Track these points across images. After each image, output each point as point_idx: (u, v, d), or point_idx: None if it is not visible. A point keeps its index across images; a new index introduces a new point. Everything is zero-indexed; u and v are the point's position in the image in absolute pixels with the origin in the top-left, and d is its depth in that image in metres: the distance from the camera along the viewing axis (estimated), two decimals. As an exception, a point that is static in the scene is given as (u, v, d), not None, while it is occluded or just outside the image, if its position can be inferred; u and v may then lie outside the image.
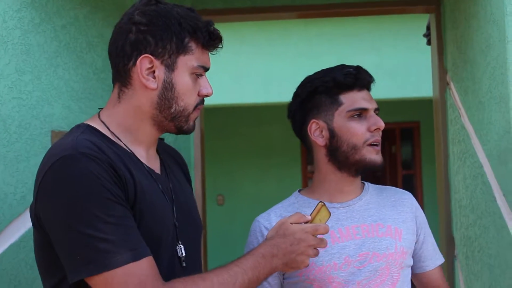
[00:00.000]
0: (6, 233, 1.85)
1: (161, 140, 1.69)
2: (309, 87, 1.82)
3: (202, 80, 1.49)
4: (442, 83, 2.72)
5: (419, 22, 3.42)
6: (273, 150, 7.64)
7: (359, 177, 1.85)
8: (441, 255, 1.89)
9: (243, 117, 7.73)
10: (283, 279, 1.79)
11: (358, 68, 1.81)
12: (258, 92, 6.57)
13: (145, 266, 1.31)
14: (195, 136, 3.06)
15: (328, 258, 1.72)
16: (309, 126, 1.81)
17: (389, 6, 2.78)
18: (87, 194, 1.30)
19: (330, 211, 1.54)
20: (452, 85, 2.57)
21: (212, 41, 1.47)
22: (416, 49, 3.53)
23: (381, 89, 6.31)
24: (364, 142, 1.75)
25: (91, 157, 1.32)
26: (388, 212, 1.81)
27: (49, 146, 2.00)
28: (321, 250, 1.71)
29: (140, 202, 1.38)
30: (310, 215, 1.49)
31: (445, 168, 2.76)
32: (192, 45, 1.46)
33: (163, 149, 1.64)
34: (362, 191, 1.85)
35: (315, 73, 1.83)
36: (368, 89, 1.83)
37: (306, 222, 1.47)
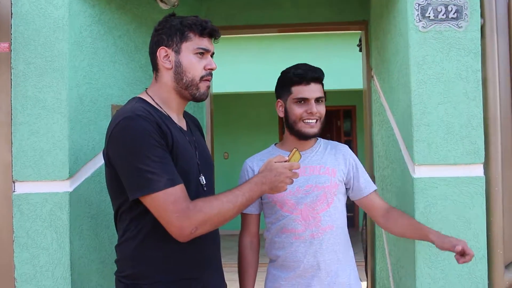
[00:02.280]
0: (82, 171, 1.84)
1: (186, 111, 1.69)
2: (280, 80, 1.84)
3: (206, 59, 1.48)
4: (368, 76, 2.71)
5: (353, 38, 3.40)
6: (261, 123, 7.65)
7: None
8: (374, 185, 1.85)
9: (241, 101, 7.70)
10: (261, 200, 1.82)
11: (306, 69, 1.78)
12: (252, 84, 6.56)
13: (178, 190, 1.31)
14: (206, 113, 3.02)
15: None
16: (276, 104, 1.83)
17: (334, 25, 2.77)
18: (141, 141, 1.31)
19: (301, 155, 1.55)
20: (375, 77, 2.57)
21: (204, 30, 1.45)
22: (352, 56, 3.51)
23: (331, 84, 6.33)
24: (300, 119, 1.75)
25: (144, 117, 1.33)
26: (328, 158, 1.80)
27: (110, 114, 1.99)
28: None
29: (176, 148, 1.38)
30: (288, 156, 1.50)
31: (370, 132, 2.77)
32: (191, 35, 1.45)
33: (187, 116, 1.64)
34: (314, 144, 1.85)
35: (285, 69, 1.83)
36: (316, 83, 1.77)
37: (285, 161, 1.47)
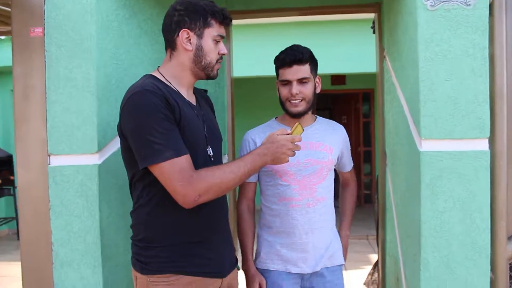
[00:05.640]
0: (110, 145, 1.87)
1: (202, 90, 1.68)
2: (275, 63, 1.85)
3: (220, 44, 1.49)
4: (381, 57, 2.64)
5: (368, 24, 3.28)
6: (278, 104, 7.55)
7: (308, 114, 1.85)
8: (352, 164, 2.00)
9: (261, 84, 7.53)
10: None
11: (287, 53, 1.78)
12: (270, 68, 6.48)
13: (183, 160, 1.31)
14: (227, 95, 2.95)
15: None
16: (276, 84, 1.86)
17: (349, 8, 2.69)
18: (149, 115, 1.30)
19: (303, 129, 1.54)
20: (387, 57, 2.50)
21: (224, 19, 1.47)
22: (370, 41, 3.36)
23: (349, 68, 6.18)
24: (286, 99, 1.78)
25: (153, 92, 1.32)
26: (327, 136, 1.84)
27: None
28: None
29: (183, 121, 1.37)
30: (290, 129, 1.48)
31: (382, 110, 2.71)
32: (213, 22, 1.45)
33: (199, 93, 1.63)
34: (314, 122, 1.86)
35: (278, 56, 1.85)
36: (299, 64, 1.76)
37: (287, 134, 1.46)
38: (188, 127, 1.40)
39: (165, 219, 1.41)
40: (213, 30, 1.46)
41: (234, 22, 2.97)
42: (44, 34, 1.85)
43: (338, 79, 7.47)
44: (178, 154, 1.30)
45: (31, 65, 1.86)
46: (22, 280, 1.91)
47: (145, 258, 1.42)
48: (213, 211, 1.47)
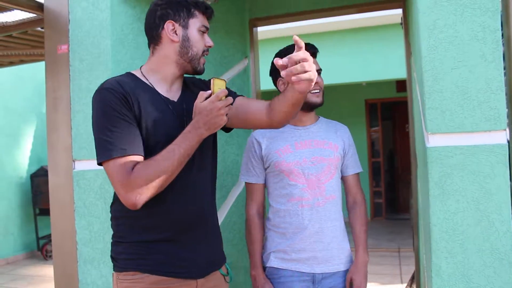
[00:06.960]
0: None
1: (203, 80, 1.59)
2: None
3: (206, 36, 1.44)
4: (408, 53, 2.44)
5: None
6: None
7: (313, 112, 1.80)
8: (360, 168, 1.85)
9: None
10: (265, 168, 1.77)
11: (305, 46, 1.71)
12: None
13: (127, 159, 1.25)
14: None
15: (293, 158, 1.69)
16: (277, 82, 1.78)
17: (374, 5, 2.52)
18: (102, 113, 1.28)
19: (224, 79, 1.42)
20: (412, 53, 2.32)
21: (207, 9, 1.43)
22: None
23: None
24: (309, 91, 1.68)
25: (110, 90, 1.29)
26: (331, 135, 1.78)
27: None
28: (288, 154, 1.66)
29: (145, 118, 1.32)
30: (211, 90, 1.34)
31: (411, 108, 2.50)
32: (196, 12, 1.42)
33: (192, 84, 1.55)
34: (317, 121, 1.80)
35: (279, 51, 1.78)
36: (314, 57, 1.72)
37: (210, 96, 1.32)
38: (153, 123, 1.33)
39: (131, 215, 1.34)
40: (198, 21, 1.42)
41: (260, 32, 2.93)
42: (69, 51, 1.99)
43: (404, 85, 7.03)
44: (123, 153, 1.24)
45: (58, 79, 2.02)
46: (54, 276, 2.04)
47: (115, 255, 1.40)
48: (184, 208, 1.37)
